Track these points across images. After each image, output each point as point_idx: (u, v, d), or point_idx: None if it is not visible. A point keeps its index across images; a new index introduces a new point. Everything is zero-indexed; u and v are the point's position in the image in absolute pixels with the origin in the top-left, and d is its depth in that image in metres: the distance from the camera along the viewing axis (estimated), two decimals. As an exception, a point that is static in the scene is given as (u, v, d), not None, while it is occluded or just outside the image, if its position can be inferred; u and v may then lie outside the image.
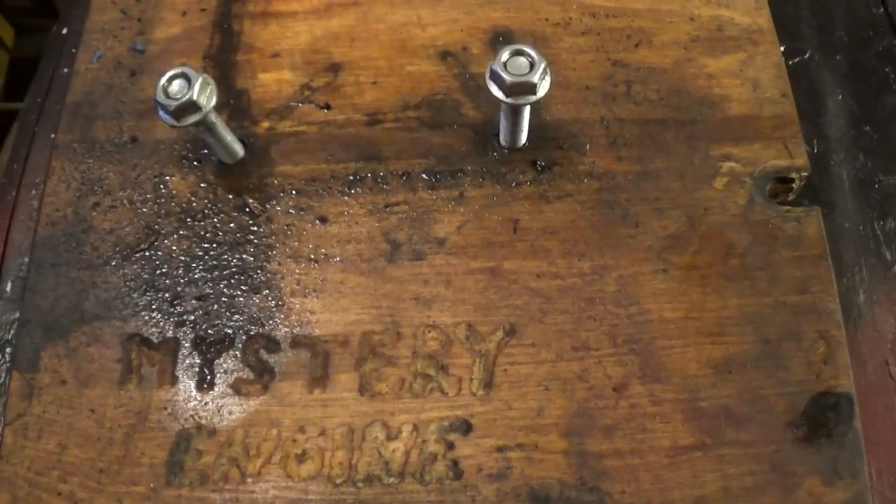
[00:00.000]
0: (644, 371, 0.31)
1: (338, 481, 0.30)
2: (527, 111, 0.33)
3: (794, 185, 0.36)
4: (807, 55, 0.42)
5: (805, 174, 0.36)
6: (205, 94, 0.31)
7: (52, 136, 0.40)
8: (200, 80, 0.31)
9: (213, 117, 0.33)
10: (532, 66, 0.31)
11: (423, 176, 0.35)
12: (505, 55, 0.31)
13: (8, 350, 0.36)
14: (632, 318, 0.32)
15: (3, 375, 0.35)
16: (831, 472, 0.31)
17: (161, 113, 0.32)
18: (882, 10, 0.46)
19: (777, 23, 0.41)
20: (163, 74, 0.32)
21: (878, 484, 0.33)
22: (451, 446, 0.30)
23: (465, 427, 0.31)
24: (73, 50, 0.42)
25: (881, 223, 0.39)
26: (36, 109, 0.44)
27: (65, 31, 0.46)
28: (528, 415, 0.31)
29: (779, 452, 0.31)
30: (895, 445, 0.34)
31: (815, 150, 0.39)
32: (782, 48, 0.41)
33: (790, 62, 0.42)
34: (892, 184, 0.40)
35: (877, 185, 0.39)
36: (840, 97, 0.42)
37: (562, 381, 0.31)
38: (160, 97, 0.31)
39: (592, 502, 0.29)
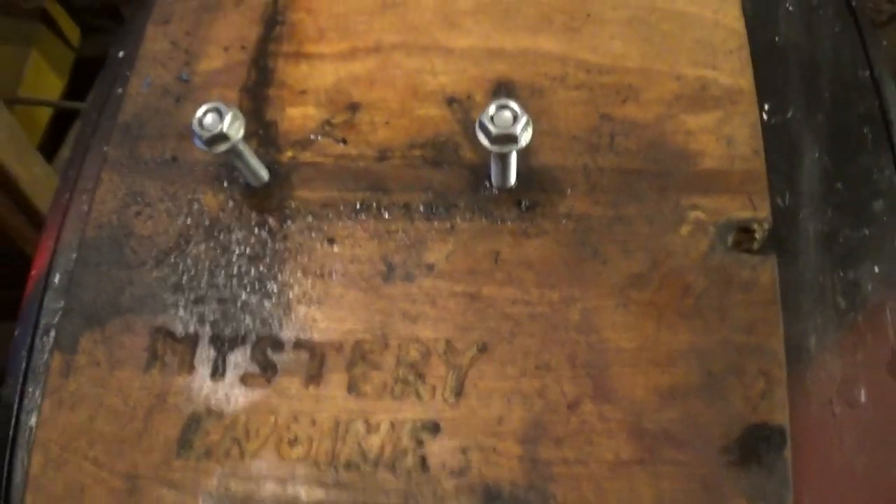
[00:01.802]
0: (596, 392, 0.37)
1: (322, 465, 0.36)
2: (513, 157, 0.39)
3: (756, 235, 0.41)
4: (789, 114, 0.48)
5: (766, 226, 0.41)
6: (234, 127, 0.38)
7: (105, 148, 0.48)
8: (231, 114, 0.38)
9: (241, 146, 0.40)
10: (515, 118, 0.37)
11: (421, 208, 0.42)
12: (492, 109, 0.37)
13: (52, 333, 0.43)
14: (591, 344, 0.38)
15: (46, 355, 0.43)
16: (758, 497, 0.36)
17: (196, 141, 0.39)
18: (868, 72, 0.50)
19: (765, 83, 0.47)
20: (200, 106, 0.39)
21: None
22: (421, 443, 0.36)
23: (435, 428, 0.37)
24: (128, 73, 0.50)
25: (841, 274, 0.43)
26: (92, 124, 0.51)
27: (121, 54, 0.54)
28: (490, 422, 0.37)
29: (711, 474, 0.36)
30: (830, 477, 0.39)
31: (786, 204, 0.44)
32: (766, 107, 0.47)
33: (772, 120, 0.47)
34: (856, 237, 0.44)
35: (841, 239, 0.44)
36: (817, 155, 0.47)
37: (522, 395, 0.37)
38: (195, 127, 0.38)
39: (537, 502, 0.35)
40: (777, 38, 0.51)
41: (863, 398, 0.41)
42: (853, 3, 0.54)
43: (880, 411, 0.42)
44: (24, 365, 0.44)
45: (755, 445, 0.37)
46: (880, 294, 0.44)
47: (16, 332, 0.47)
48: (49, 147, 1.23)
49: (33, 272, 0.48)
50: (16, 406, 0.44)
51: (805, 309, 0.43)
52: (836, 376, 0.42)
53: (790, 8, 0.52)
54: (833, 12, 0.53)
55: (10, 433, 0.43)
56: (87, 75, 1.37)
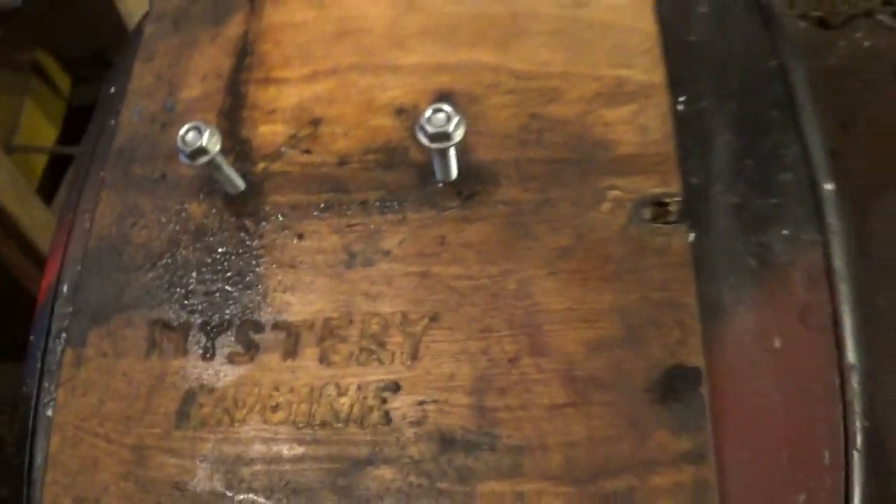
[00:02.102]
0: (532, 348, 0.44)
1: (300, 425, 0.43)
2: (451, 154, 0.47)
3: (669, 208, 0.48)
4: (702, 104, 0.55)
5: (678, 200, 0.48)
6: (212, 141, 0.46)
7: (101, 173, 0.55)
8: (208, 131, 0.46)
9: (219, 159, 0.47)
10: (449, 119, 0.44)
11: (377, 204, 0.49)
12: (428, 112, 0.44)
13: (63, 335, 0.51)
14: (526, 308, 0.45)
15: (59, 352, 0.50)
16: (678, 427, 0.43)
17: (181, 156, 0.46)
18: (775, 61, 0.58)
19: (680, 78, 0.54)
20: (182, 127, 0.46)
21: (725, 440, 0.44)
22: (384, 401, 0.43)
23: (395, 387, 0.44)
24: (119, 106, 0.58)
25: (752, 239, 0.50)
26: (89, 153, 0.59)
27: (112, 90, 0.62)
28: (442, 379, 0.44)
29: (636, 411, 0.43)
30: (751, 414, 0.46)
31: (700, 181, 0.52)
32: (682, 98, 0.54)
33: (687, 110, 0.55)
34: (765, 206, 0.52)
35: (752, 209, 0.52)
36: (728, 137, 0.54)
37: (469, 354, 0.44)
38: (179, 144, 0.46)
39: (486, 443, 0.42)
40: (692, 37, 0.59)
41: (777, 344, 0.48)
42: (762, 1, 0.62)
43: (793, 355, 0.48)
44: (39, 365, 0.52)
45: (673, 384, 0.44)
46: (790, 254, 0.51)
47: (31, 337, 0.54)
48: (46, 191, 1.32)
49: (44, 284, 0.55)
50: (34, 400, 0.51)
51: (720, 271, 0.50)
52: (751, 328, 0.49)
53: (703, 10, 0.60)
54: (743, 10, 0.61)
55: (30, 424, 0.50)
56: (78, 123, 1.46)
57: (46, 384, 0.51)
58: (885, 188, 1.41)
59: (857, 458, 0.46)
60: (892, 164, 1.43)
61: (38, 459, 0.49)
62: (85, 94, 1.53)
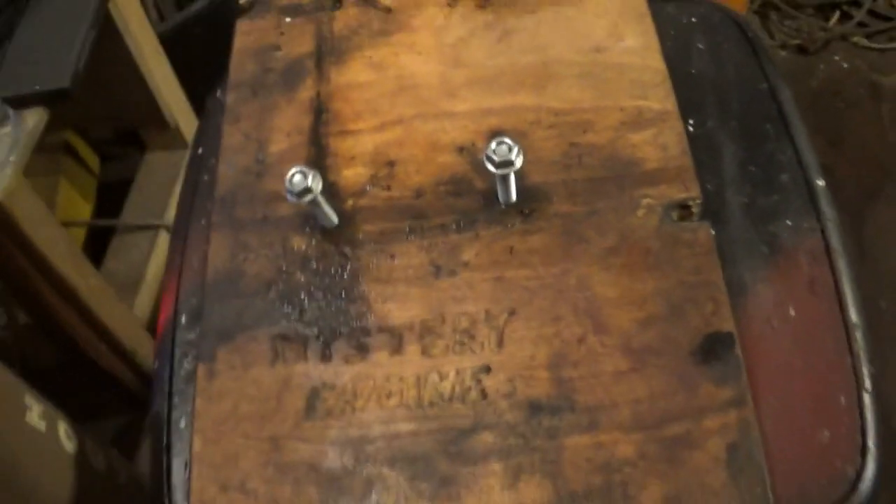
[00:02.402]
0: (595, 329, 0.55)
1: (412, 407, 0.54)
2: (511, 178, 0.59)
3: (693, 209, 0.60)
4: (708, 125, 0.68)
5: (699, 202, 0.60)
6: (315, 182, 0.57)
7: (202, 221, 0.67)
8: (312, 174, 0.57)
9: (320, 197, 0.59)
10: (510, 149, 0.56)
11: (453, 226, 0.61)
12: (493, 144, 0.56)
13: (189, 357, 0.61)
14: (586, 298, 0.56)
15: (185, 372, 0.61)
16: (721, 380, 0.54)
17: (288, 195, 0.58)
18: (766, 84, 0.71)
19: (687, 105, 0.66)
20: (286, 172, 0.58)
21: (758, 391, 0.55)
22: (479, 381, 0.54)
23: (487, 370, 0.55)
24: (213, 161, 0.69)
25: (762, 230, 0.62)
26: (188, 204, 0.71)
27: (200, 150, 0.74)
28: (525, 359, 0.55)
29: (685, 371, 0.54)
30: (776, 370, 0.57)
31: (712, 188, 0.64)
32: (691, 121, 0.67)
33: (697, 131, 0.67)
34: (769, 202, 0.63)
35: (759, 206, 0.63)
36: (733, 150, 0.66)
37: (545, 338, 0.55)
38: (287, 185, 0.57)
39: (566, 406, 0.53)
40: (693, 70, 0.72)
41: (791, 312, 0.60)
42: (749, 35, 0.75)
43: (806, 320, 0.60)
44: (167, 387, 0.62)
45: (712, 347, 0.55)
46: (794, 240, 0.62)
47: (154, 364, 0.65)
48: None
49: (161, 318, 0.66)
50: (165, 417, 0.61)
51: (738, 257, 0.61)
52: (770, 300, 0.60)
53: (700, 46, 0.73)
54: (734, 44, 0.74)
55: (164, 437, 0.61)
56: (110, 198, 1.58)
57: (177, 401, 0.62)
58: (876, 197, 1.55)
59: (867, 398, 0.57)
60: (879, 175, 1.57)
61: (176, 465, 0.59)
62: (113, 170, 1.65)
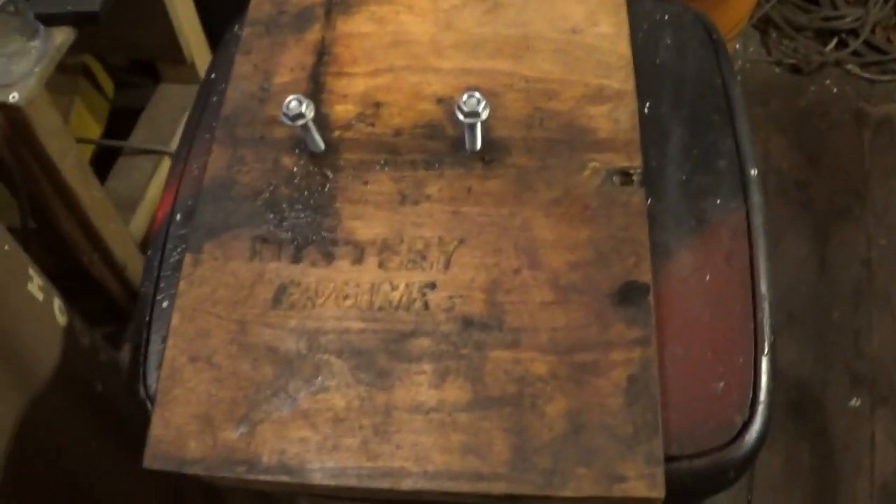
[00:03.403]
0: (530, 264, 0.64)
1: (363, 309, 0.64)
2: (478, 129, 0.68)
3: (633, 177, 0.69)
4: (661, 109, 0.77)
5: (639, 171, 0.69)
6: (309, 109, 0.67)
7: (206, 136, 0.76)
8: (306, 102, 0.67)
9: (311, 124, 0.68)
10: (478, 102, 0.65)
11: (422, 163, 0.70)
12: (465, 97, 0.65)
13: (179, 248, 0.71)
14: (527, 238, 0.66)
15: (173, 261, 0.70)
16: (631, 321, 0.63)
17: (283, 118, 0.67)
18: (720, 81, 0.80)
19: (647, 89, 0.76)
20: (284, 99, 0.67)
21: (665, 338, 0.65)
22: (424, 295, 0.64)
23: (433, 286, 0.64)
24: (223, 85, 0.78)
25: (692, 204, 0.71)
26: (195, 119, 0.80)
27: (213, 75, 0.83)
28: (466, 282, 0.64)
29: (602, 309, 0.63)
30: (687, 322, 0.66)
31: (656, 164, 0.73)
32: (647, 104, 0.76)
33: (651, 113, 0.76)
34: (704, 182, 0.73)
35: (695, 184, 0.73)
36: (680, 134, 0.75)
37: (486, 266, 0.65)
38: (284, 109, 0.67)
39: (495, 325, 0.62)
40: (657, 61, 0.81)
41: (707, 278, 0.69)
42: (713, 36, 0.84)
43: (719, 286, 0.69)
44: (156, 272, 0.72)
45: (629, 292, 0.64)
46: (720, 217, 0.72)
47: (148, 252, 0.74)
48: (94, 179, 1.52)
49: (158, 215, 0.76)
50: (151, 296, 0.71)
51: (668, 225, 0.71)
52: (689, 264, 0.69)
53: (668, 41, 0.82)
54: (699, 43, 0.83)
55: (149, 314, 0.70)
56: (121, 122, 1.67)
57: (162, 285, 0.71)
58: (844, 216, 1.64)
59: (764, 361, 0.66)
60: (850, 196, 1.66)
61: (154, 339, 0.68)
62: (126, 97, 1.74)
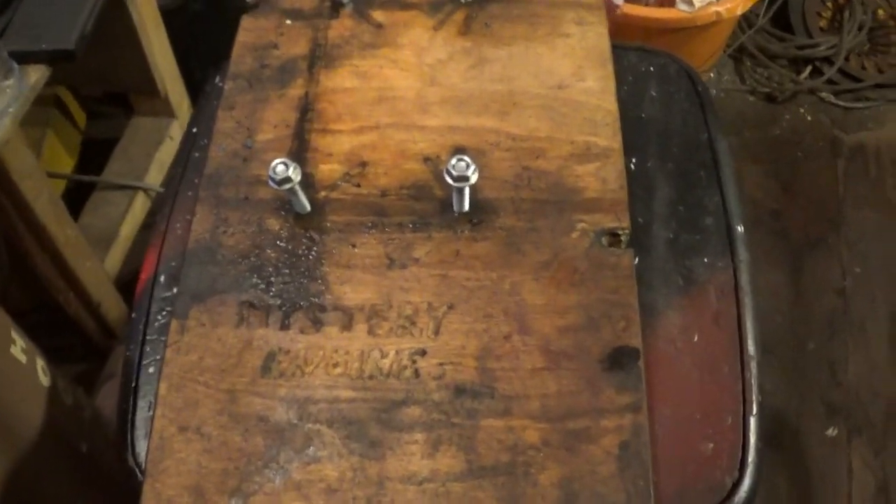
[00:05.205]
0: (520, 329, 0.65)
1: (353, 377, 0.63)
2: (466, 192, 0.68)
3: (621, 238, 0.70)
4: (648, 164, 0.77)
5: (628, 232, 0.70)
6: (295, 173, 0.66)
7: (189, 193, 0.75)
8: (293, 166, 0.66)
9: (297, 187, 0.68)
10: (468, 167, 0.65)
11: (410, 225, 0.70)
12: (454, 161, 0.65)
13: (164, 312, 0.70)
14: (517, 302, 0.66)
15: (159, 325, 0.69)
16: (621, 387, 0.63)
17: (270, 182, 0.67)
18: (706, 135, 0.81)
19: (633, 144, 0.76)
20: (271, 162, 0.67)
21: (655, 400, 0.65)
22: (415, 362, 0.64)
23: (423, 353, 0.64)
24: (204, 142, 0.78)
25: (679, 263, 0.72)
26: (178, 177, 0.79)
27: (195, 129, 0.82)
28: (457, 348, 0.64)
29: (592, 375, 0.63)
30: (675, 382, 0.67)
31: (643, 221, 0.73)
32: (634, 159, 0.76)
33: (637, 169, 0.77)
34: (691, 240, 0.74)
35: (681, 242, 0.73)
36: (666, 190, 0.76)
37: (476, 332, 0.65)
38: (270, 173, 0.66)
39: (487, 392, 0.62)
40: (643, 115, 0.81)
41: (695, 338, 0.70)
42: (699, 88, 0.85)
43: (707, 346, 0.70)
44: (141, 336, 0.71)
45: (619, 359, 0.64)
46: (708, 275, 0.72)
47: (132, 315, 0.73)
48: (67, 215, 1.50)
49: (142, 277, 0.75)
50: (136, 362, 0.70)
51: (655, 285, 0.71)
52: (677, 325, 0.70)
53: (653, 93, 0.83)
54: (684, 95, 0.84)
55: (133, 380, 0.69)
56: (93, 154, 1.65)
57: (148, 349, 0.70)
58: (818, 245, 1.67)
59: (752, 421, 0.67)
60: (825, 224, 1.68)
61: (141, 405, 0.68)
62: (99, 128, 1.72)
